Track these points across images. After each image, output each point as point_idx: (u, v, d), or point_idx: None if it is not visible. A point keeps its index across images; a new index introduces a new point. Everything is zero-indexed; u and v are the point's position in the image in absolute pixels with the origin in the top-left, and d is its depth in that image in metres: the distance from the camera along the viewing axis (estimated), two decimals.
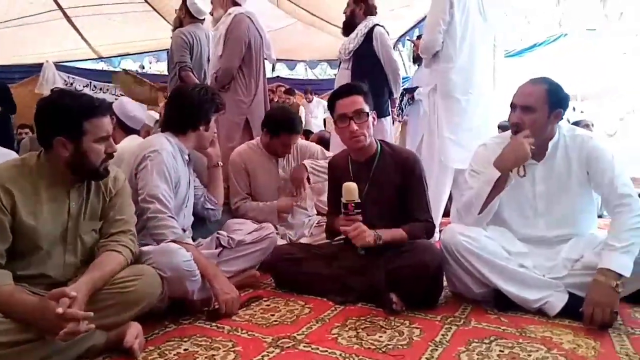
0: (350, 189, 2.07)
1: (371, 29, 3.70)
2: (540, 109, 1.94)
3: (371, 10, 3.82)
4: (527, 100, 1.96)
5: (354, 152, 2.26)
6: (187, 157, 2.27)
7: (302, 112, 8.70)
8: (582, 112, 7.85)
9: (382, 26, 3.74)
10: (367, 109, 2.16)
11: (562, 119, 2.00)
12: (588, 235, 2.02)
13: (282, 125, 2.85)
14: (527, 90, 1.99)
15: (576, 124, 4.77)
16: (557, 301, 1.88)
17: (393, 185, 2.18)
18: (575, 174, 2.00)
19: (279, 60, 8.98)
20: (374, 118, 2.21)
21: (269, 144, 2.91)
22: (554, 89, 1.96)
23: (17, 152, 4.02)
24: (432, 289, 2.02)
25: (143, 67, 10.37)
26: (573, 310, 1.84)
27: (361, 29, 3.74)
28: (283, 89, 8.97)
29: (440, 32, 3.15)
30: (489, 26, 3.33)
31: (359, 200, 2.06)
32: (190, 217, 2.36)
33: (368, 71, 3.67)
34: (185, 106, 2.25)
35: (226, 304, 1.94)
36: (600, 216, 3.08)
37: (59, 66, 8.83)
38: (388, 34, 3.78)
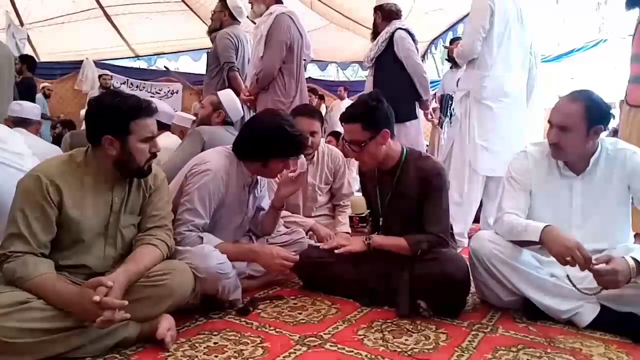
0: (357, 203, 2.09)
1: (392, 34, 3.58)
2: (577, 128, 1.87)
3: (391, 15, 3.68)
4: (563, 120, 1.90)
5: None
6: (249, 180, 2.21)
7: (324, 111, 8.72)
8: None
9: (404, 29, 3.60)
10: (363, 137, 2.03)
11: (604, 130, 1.93)
12: (622, 247, 1.97)
13: (295, 114, 2.84)
14: (563, 108, 1.92)
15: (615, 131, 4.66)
16: (588, 312, 1.85)
17: (414, 196, 2.10)
18: (614, 188, 1.95)
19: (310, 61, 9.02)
20: (383, 137, 2.06)
21: None
22: (593, 105, 1.88)
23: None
24: (456, 301, 1.99)
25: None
26: (604, 322, 1.81)
27: (382, 36, 3.65)
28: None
29: (480, 40, 3.13)
30: (526, 33, 3.29)
31: (366, 214, 2.07)
32: (241, 238, 2.37)
33: (389, 77, 3.60)
34: (251, 138, 2.14)
35: (277, 272, 2.22)
36: None
37: (98, 63, 9.09)
38: (413, 36, 3.64)
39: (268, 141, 2.09)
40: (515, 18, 3.21)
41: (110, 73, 8.36)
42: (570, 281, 1.82)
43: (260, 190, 2.38)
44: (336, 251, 2.00)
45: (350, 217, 2.14)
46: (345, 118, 2.10)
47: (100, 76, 8.07)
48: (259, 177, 2.29)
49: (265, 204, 2.46)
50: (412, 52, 3.58)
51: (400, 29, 3.60)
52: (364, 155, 2.10)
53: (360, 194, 2.31)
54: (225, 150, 2.21)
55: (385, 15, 3.69)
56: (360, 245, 2.03)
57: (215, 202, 2.09)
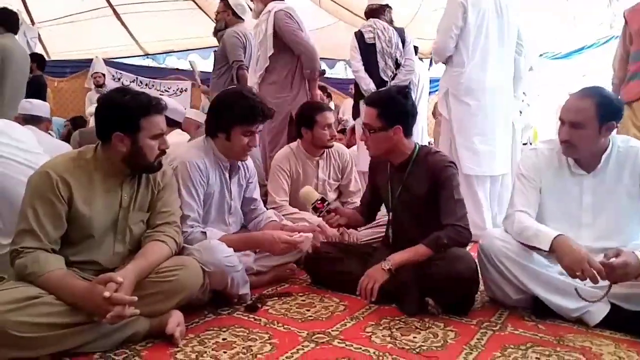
0: (308, 193, 2.22)
1: None
2: (589, 125, 1.84)
3: (367, 15, 3.92)
4: (574, 116, 1.87)
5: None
6: (226, 165, 2.22)
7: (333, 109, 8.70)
8: None
9: (359, 30, 3.79)
10: (375, 124, 2.07)
11: (616, 127, 1.91)
12: (632, 245, 1.95)
13: (312, 111, 2.85)
14: (574, 105, 1.89)
15: None
16: (598, 311, 1.83)
17: (422, 191, 2.10)
18: (625, 186, 1.92)
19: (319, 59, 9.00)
20: (394, 132, 2.06)
21: (313, 139, 2.85)
22: (604, 101, 1.85)
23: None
24: (464, 299, 1.97)
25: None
26: (614, 321, 1.79)
27: None
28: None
29: (452, 38, 3.14)
30: (507, 26, 3.25)
31: (322, 196, 2.20)
32: (238, 225, 2.38)
33: None
34: (212, 111, 2.21)
35: (281, 254, 2.26)
36: None
37: (108, 62, 9.13)
38: (363, 35, 3.78)
39: (228, 107, 2.11)
40: (493, 12, 3.19)
41: (102, 72, 8.37)
42: (577, 292, 1.80)
43: (248, 178, 2.38)
44: (370, 301, 1.97)
45: (314, 207, 2.20)
46: (367, 100, 2.19)
47: (92, 75, 8.14)
48: (240, 163, 2.29)
49: (257, 195, 2.47)
50: (351, 51, 3.84)
51: (359, 30, 3.79)
52: (370, 141, 2.14)
53: (308, 187, 2.40)
54: (198, 140, 2.24)
55: (366, 15, 3.93)
56: (382, 275, 1.95)
57: (202, 189, 2.10)
